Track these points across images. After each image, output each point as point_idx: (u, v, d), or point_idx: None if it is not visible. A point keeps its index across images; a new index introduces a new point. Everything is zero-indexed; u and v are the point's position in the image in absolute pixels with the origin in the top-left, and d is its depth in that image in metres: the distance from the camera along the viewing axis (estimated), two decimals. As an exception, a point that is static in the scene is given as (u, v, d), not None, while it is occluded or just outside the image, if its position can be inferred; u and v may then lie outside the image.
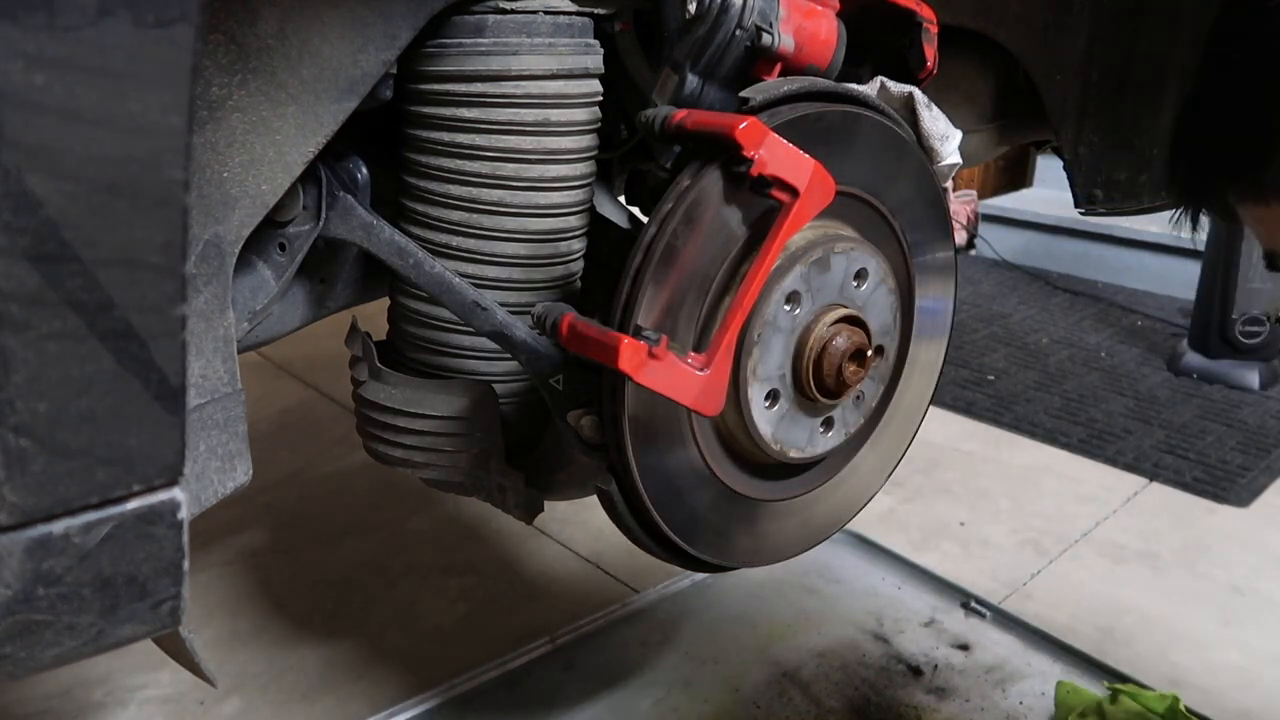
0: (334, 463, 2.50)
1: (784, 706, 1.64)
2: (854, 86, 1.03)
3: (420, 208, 1.05)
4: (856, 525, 1.43)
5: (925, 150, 1.09)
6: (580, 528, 2.19)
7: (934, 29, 1.09)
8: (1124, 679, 1.68)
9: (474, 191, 1.02)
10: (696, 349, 0.92)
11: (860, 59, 1.11)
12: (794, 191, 0.89)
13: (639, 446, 0.95)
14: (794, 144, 0.88)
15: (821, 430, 1.05)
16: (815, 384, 1.00)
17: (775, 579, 1.96)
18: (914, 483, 2.50)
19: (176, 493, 0.60)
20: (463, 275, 1.03)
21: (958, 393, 3.12)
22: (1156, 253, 4.11)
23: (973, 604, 1.89)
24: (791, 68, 0.98)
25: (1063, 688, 1.63)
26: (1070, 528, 2.31)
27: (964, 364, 3.36)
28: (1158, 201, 1.34)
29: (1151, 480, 2.58)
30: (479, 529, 2.21)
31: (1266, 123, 0.89)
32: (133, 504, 0.59)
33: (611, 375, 0.92)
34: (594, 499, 1.03)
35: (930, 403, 1.21)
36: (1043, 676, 1.71)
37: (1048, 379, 3.25)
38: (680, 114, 0.91)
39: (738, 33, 0.94)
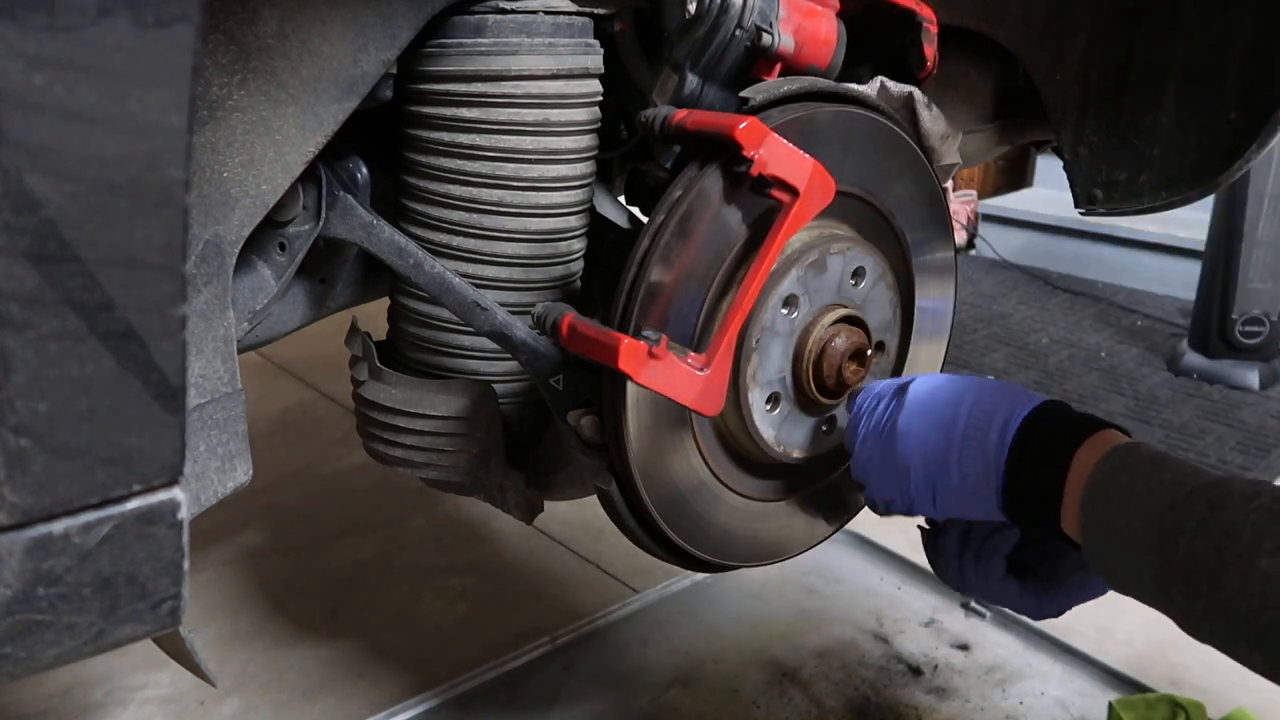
0: (334, 463, 2.49)
1: (784, 706, 1.64)
2: (854, 86, 1.03)
3: (420, 208, 1.05)
4: (856, 525, 1.43)
5: (925, 150, 1.09)
6: (580, 528, 2.19)
7: (934, 29, 1.09)
8: (1124, 679, 1.68)
9: (474, 191, 1.02)
10: (697, 349, 0.92)
11: (860, 59, 1.11)
12: (794, 191, 0.89)
13: (639, 447, 0.95)
14: (794, 144, 0.88)
15: (824, 430, 1.05)
16: (816, 385, 1.00)
17: (775, 579, 1.96)
18: (914, 483, 2.49)
19: (176, 493, 0.60)
20: (463, 275, 1.03)
21: (958, 393, 3.11)
22: (1156, 253, 4.10)
23: (973, 604, 1.89)
24: (791, 68, 0.98)
25: (1114, 710, 1.58)
26: (1070, 528, 2.30)
27: (964, 364, 3.36)
28: (1158, 201, 1.34)
29: (1151, 480, 2.57)
30: (479, 529, 2.21)
31: None
32: (133, 504, 0.59)
33: (611, 375, 0.92)
34: (594, 499, 1.03)
35: (930, 403, 1.21)
36: (1043, 677, 1.71)
37: (1048, 379, 3.25)
38: (680, 114, 0.91)
39: (738, 33, 0.94)
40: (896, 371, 1.13)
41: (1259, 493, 0.73)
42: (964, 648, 1.79)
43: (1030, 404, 0.89)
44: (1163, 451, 0.82)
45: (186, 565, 0.63)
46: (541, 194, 1.03)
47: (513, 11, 0.97)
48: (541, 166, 1.02)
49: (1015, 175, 4.87)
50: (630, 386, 0.92)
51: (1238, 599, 0.70)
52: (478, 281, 1.04)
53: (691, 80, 0.96)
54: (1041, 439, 0.86)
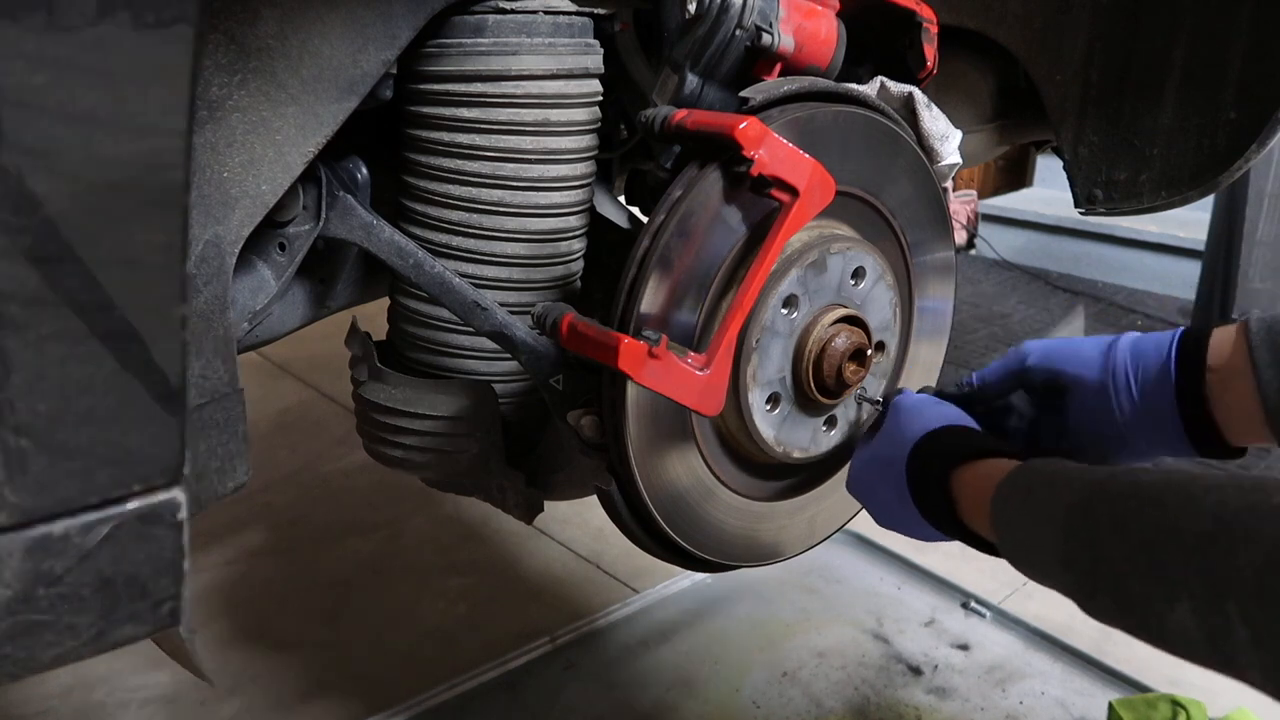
0: (334, 463, 2.50)
1: (784, 706, 1.64)
2: (854, 86, 1.03)
3: (420, 208, 1.05)
4: (857, 525, 1.43)
5: (925, 150, 1.09)
6: (580, 528, 2.19)
7: (934, 29, 1.09)
8: (1124, 679, 1.68)
9: (474, 191, 1.02)
10: (697, 349, 0.92)
11: (860, 59, 1.11)
12: (794, 191, 0.89)
13: (639, 447, 0.95)
14: (794, 144, 0.88)
15: (824, 429, 1.05)
16: (816, 385, 1.00)
17: (776, 579, 1.96)
18: (914, 483, 2.49)
19: (176, 493, 0.60)
20: (463, 275, 1.03)
21: (958, 393, 3.11)
22: (1156, 253, 4.11)
23: (973, 604, 1.89)
24: (791, 68, 0.98)
25: (1114, 710, 1.58)
26: (1070, 528, 2.30)
27: (964, 364, 3.36)
28: (1158, 201, 1.34)
29: (1151, 480, 2.57)
30: (479, 529, 2.21)
31: None
32: (132, 504, 0.59)
33: (612, 375, 0.92)
34: (594, 499, 1.03)
35: (930, 403, 1.21)
36: (1043, 677, 1.71)
37: (1048, 379, 3.24)
38: (680, 114, 0.91)
39: (738, 33, 0.94)
40: (897, 373, 1.13)
41: (1124, 524, 0.68)
42: (964, 648, 1.79)
43: (922, 432, 0.93)
44: (1031, 479, 0.79)
45: (186, 565, 0.63)
46: (541, 194, 1.03)
47: (512, 11, 0.97)
48: (541, 166, 1.02)
49: (1015, 175, 4.87)
50: (630, 386, 0.91)
51: (1163, 644, 0.67)
52: (478, 281, 1.04)
53: (691, 80, 0.96)
54: (921, 468, 0.90)
